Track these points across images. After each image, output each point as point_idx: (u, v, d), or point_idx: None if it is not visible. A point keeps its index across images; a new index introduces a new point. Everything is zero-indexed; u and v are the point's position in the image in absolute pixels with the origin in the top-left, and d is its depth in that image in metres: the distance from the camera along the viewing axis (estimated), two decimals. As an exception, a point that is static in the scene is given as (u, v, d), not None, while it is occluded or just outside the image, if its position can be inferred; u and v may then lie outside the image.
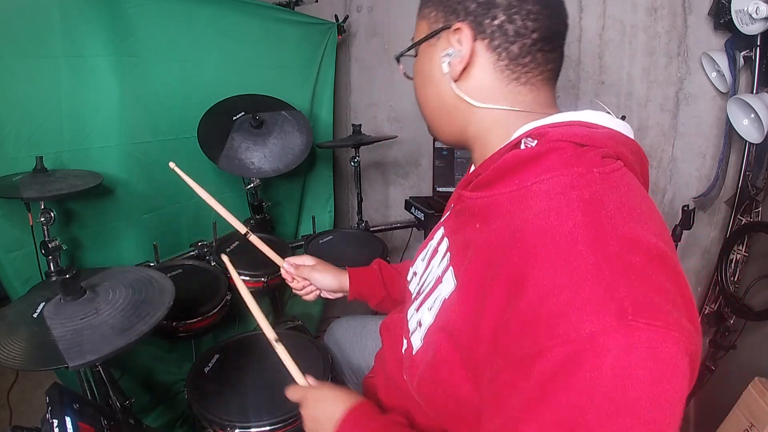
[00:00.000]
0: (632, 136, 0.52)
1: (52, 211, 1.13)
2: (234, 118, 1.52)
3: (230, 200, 1.71)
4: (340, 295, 0.94)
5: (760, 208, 1.48)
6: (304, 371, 0.74)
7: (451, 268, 0.54)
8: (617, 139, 0.48)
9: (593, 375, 0.34)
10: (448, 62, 0.53)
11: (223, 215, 0.94)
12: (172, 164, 0.97)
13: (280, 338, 0.75)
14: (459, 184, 0.59)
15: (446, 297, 0.52)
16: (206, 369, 1.04)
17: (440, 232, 0.64)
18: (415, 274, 0.69)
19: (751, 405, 1.23)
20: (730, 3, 1.32)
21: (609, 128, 0.50)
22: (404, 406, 0.66)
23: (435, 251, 0.62)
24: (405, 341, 0.61)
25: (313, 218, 1.84)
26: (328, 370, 0.99)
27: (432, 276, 0.59)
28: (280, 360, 0.73)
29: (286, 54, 1.80)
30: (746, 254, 1.49)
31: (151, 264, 1.39)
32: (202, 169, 1.58)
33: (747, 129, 1.39)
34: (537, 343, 0.36)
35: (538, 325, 0.36)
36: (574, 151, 0.46)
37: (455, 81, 0.53)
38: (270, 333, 0.76)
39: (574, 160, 0.45)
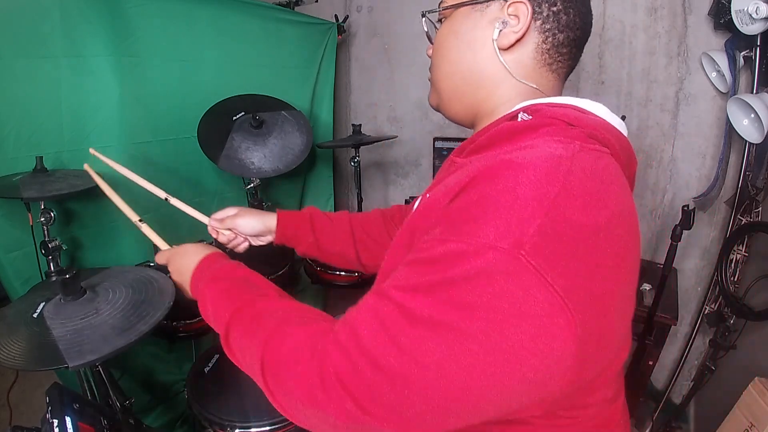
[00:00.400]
0: (626, 134, 0.53)
1: (52, 211, 1.13)
2: (234, 118, 1.52)
3: (230, 200, 1.71)
4: (268, 238, 0.91)
5: (760, 208, 1.47)
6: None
7: (419, 198, 0.58)
8: (607, 129, 0.50)
9: (468, 275, 0.38)
10: (501, 30, 0.54)
11: (141, 184, 0.94)
12: (92, 150, 1.02)
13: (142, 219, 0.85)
14: (453, 152, 0.60)
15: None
16: (206, 369, 1.04)
17: (418, 202, 0.64)
18: None
19: (751, 405, 1.23)
20: (730, 3, 1.32)
21: (603, 119, 0.52)
22: None
23: None
24: None
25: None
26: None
27: None
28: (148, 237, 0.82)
29: (286, 54, 1.80)
30: (746, 254, 1.49)
31: (151, 264, 1.39)
32: (202, 169, 1.58)
33: (747, 129, 1.39)
34: (446, 232, 0.41)
35: (459, 219, 0.41)
36: (564, 128, 0.48)
37: (503, 50, 0.55)
38: (132, 215, 0.85)
39: (562, 132, 0.47)
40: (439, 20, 0.61)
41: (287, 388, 0.45)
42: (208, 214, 0.92)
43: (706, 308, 1.62)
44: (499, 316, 0.37)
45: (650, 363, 1.51)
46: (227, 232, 0.90)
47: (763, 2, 1.22)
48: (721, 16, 1.45)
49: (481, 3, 0.55)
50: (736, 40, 1.44)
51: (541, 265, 0.37)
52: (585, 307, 0.38)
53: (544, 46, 0.54)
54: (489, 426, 0.45)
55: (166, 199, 0.93)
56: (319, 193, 2.13)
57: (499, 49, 0.55)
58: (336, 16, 2.01)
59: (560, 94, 0.58)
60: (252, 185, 1.60)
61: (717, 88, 1.56)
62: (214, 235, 0.92)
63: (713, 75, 1.55)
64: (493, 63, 0.56)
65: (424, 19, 0.63)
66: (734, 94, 1.43)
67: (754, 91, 1.40)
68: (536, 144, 0.45)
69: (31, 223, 1.14)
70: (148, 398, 1.46)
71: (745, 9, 1.26)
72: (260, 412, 0.90)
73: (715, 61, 1.49)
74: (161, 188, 0.94)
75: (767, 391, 1.20)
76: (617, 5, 1.68)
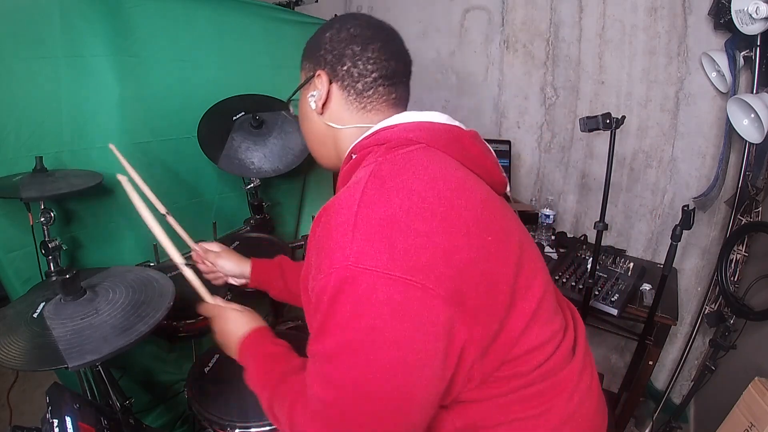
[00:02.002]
0: (448, 122, 0.65)
1: (52, 211, 1.13)
2: (234, 118, 1.52)
3: (230, 200, 1.71)
4: (244, 281, 1.01)
5: (760, 208, 1.47)
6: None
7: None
8: (422, 128, 0.62)
9: (330, 302, 0.50)
10: (314, 100, 0.69)
11: (146, 193, 0.97)
12: (111, 146, 1.04)
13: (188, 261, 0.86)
14: None
15: None
16: (206, 369, 1.04)
17: None
18: None
19: (751, 405, 1.23)
20: (730, 3, 1.32)
21: (414, 121, 0.64)
22: None
23: None
24: None
25: (313, 218, 1.84)
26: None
27: None
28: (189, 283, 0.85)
29: (286, 54, 1.80)
30: (746, 254, 1.49)
31: (151, 264, 1.39)
32: (202, 169, 1.58)
33: (747, 129, 1.39)
34: (321, 264, 0.52)
35: (323, 254, 0.52)
36: (376, 150, 0.61)
37: (320, 114, 0.70)
38: (178, 258, 0.88)
39: (373, 156, 0.61)
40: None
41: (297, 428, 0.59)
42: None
43: (706, 308, 1.62)
44: (369, 320, 0.48)
45: (650, 363, 1.51)
46: (209, 263, 0.99)
47: (763, 2, 1.22)
48: (721, 16, 1.45)
49: (305, 84, 0.71)
50: (736, 40, 1.44)
51: (369, 264, 0.48)
52: (429, 273, 0.49)
53: (350, 97, 0.68)
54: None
55: (165, 215, 0.98)
56: (319, 193, 2.13)
57: (318, 113, 0.70)
58: (336, 16, 2.01)
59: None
60: (252, 185, 1.60)
61: (717, 88, 1.56)
62: (199, 263, 1.00)
63: (713, 75, 1.55)
64: (321, 123, 0.71)
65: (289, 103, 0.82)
66: (734, 94, 1.43)
67: (754, 91, 1.40)
68: (359, 176, 0.58)
69: (31, 223, 1.14)
70: (148, 398, 1.45)
71: (745, 9, 1.26)
72: (260, 412, 0.90)
73: (715, 61, 1.49)
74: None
75: (767, 391, 1.20)
76: (617, 5, 1.68)
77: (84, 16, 1.23)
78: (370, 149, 0.62)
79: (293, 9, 2.14)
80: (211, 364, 1.05)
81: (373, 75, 0.66)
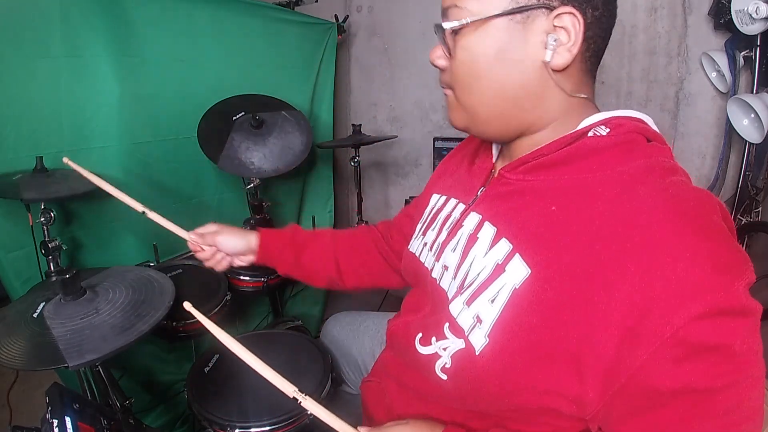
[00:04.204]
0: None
1: (52, 211, 1.13)
2: (234, 118, 1.52)
3: (230, 200, 1.71)
4: (250, 258, 0.90)
5: (760, 208, 1.47)
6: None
7: (517, 254, 0.49)
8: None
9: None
10: (555, 48, 0.47)
11: (119, 197, 0.91)
12: (65, 159, 0.97)
13: (309, 394, 0.60)
14: (504, 168, 0.56)
15: (517, 286, 0.48)
16: (206, 369, 1.04)
17: (474, 218, 0.58)
18: (445, 267, 0.60)
19: (751, 405, 1.22)
20: (730, 3, 1.32)
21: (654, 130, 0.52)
22: (423, 410, 0.64)
23: (473, 239, 0.56)
24: (457, 341, 0.53)
25: (313, 218, 1.84)
26: (329, 370, 0.99)
27: (481, 265, 0.53)
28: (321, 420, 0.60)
29: (286, 54, 1.80)
30: (746, 254, 1.49)
31: (151, 264, 1.39)
32: (202, 169, 1.58)
33: (747, 129, 1.39)
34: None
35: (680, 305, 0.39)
36: (647, 144, 0.49)
37: (559, 71, 0.49)
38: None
39: (652, 151, 0.48)
40: (455, 31, 0.52)
41: None
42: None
43: (706, 308, 1.62)
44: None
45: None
46: (207, 248, 0.89)
47: (763, 2, 1.22)
48: (721, 16, 1.45)
49: (521, 13, 0.47)
50: (736, 40, 1.44)
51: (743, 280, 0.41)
52: None
53: (587, 53, 0.50)
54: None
55: (143, 212, 0.91)
56: (319, 193, 2.13)
57: (551, 69, 0.49)
58: (336, 16, 2.01)
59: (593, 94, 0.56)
60: (252, 185, 1.60)
61: (717, 88, 1.56)
62: (195, 251, 0.91)
63: (713, 75, 1.55)
64: (543, 82, 0.50)
65: (442, 31, 0.53)
66: (734, 94, 1.43)
67: (754, 91, 1.40)
68: (643, 171, 0.46)
69: (31, 223, 1.13)
70: (148, 398, 1.45)
71: (745, 9, 1.27)
72: (260, 412, 0.90)
73: (715, 61, 1.49)
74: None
75: (767, 391, 1.20)
76: (617, 5, 1.68)
77: (84, 16, 1.23)
78: (635, 137, 0.49)
79: (293, 9, 2.15)
80: (211, 364, 1.04)
81: (610, 33, 0.51)
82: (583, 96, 0.52)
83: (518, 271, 0.48)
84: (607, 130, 0.49)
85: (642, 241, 0.41)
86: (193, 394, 0.95)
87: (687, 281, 0.39)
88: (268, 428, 0.90)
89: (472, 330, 0.52)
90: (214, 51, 1.58)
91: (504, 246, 0.51)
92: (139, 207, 0.90)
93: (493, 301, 0.50)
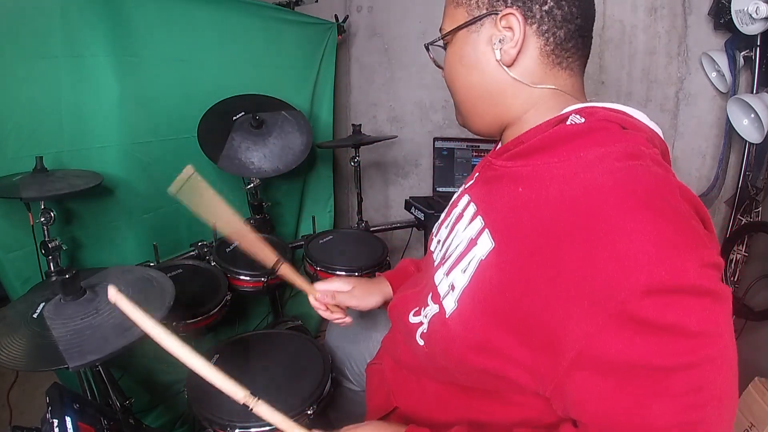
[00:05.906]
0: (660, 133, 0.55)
1: (52, 211, 1.13)
2: (234, 118, 1.52)
3: (230, 200, 1.70)
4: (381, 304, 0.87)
5: (760, 208, 1.48)
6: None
7: (486, 230, 0.54)
8: (653, 137, 0.52)
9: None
10: (502, 47, 0.54)
11: (257, 252, 0.82)
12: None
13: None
14: (490, 154, 0.64)
15: (483, 257, 0.52)
16: (206, 369, 1.03)
17: (465, 199, 0.64)
18: (439, 241, 0.68)
19: (751, 405, 1.23)
20: (730, 3, 1.32)
21: (647, 126, 0.53)
22: (412, 387, 0.68)
23: (460, 216, 0.63)
24: (434, 306, 0.59)
25: (313, 218, 1.84)
26: (328, 370, 0.99)
27: (459, 239, 0.59)
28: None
29: (286, 54, 1.80)
30: (746, 254, 1.49)
31: (152, 264, 1.39)
32: (202, 169, 1.57)
33: (747, 129, 1.39)
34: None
35: (627, 278, 0.40)
36: (620, 131, 0.50)
37: (509, 66, 0.55)
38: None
39: (622, 137, 0.49)
40: (444, 46, 0.62)
41: None
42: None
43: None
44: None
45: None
46: (337, 309, 0.83)
47: (763, 2, 1.22)
48: (721, 16, 1.46)
49: (474, 23, 0.55)
50: (736, 40, 1.44)
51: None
52: None
53: (547, 47, 0.54)
54: None
55: (276, 266, 0.83)
56: (319, 193, 2.13)
57: (503, 65, 0.54)
58: (336, 16, 2.01)
59: (582, 89, 0.59)
60: (252, 185, 1.60)
61: (717, 88, 1.56)
62: (322, 310, 0.84)
63: (713, 75, 1.55)
64: (504, 78, 0.56)
65: (429, 48, 0.65)
66: (734, 94, 1.43)
67: (754, 91, 1.40)
68: (606, 155, 0.47)
69: (31, 223, 1.13)
70: (148, 398, 1.45)
71: (745, 9, 1.27)
72: (260, 412, 0.90)
73: (715, 61, 1.49)
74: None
75: (767, 391, 1.20)
76: (617, 5, 1.68)
77: (84, 16, 1.23)
78: (608, 125, 0.50)
79: (293, 9, 2.15)
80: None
81: (578, 21, 0.53)
82: (549, 87, 0.56)
83: (485, 244, 0.53)
84: (583, 119, 0.51)
85: (589, 218, 0.43)
86: (193, 394, 0.95)
87: (630, 256, 0.40)
88: (268, 428, 0.89)
89: (446, 296, 0.57)
90: (214, 51, 1.58)
91: (478, 223, 0.57)
92: (272, 259, 0.83)
93: (464, 271, 0.55)
